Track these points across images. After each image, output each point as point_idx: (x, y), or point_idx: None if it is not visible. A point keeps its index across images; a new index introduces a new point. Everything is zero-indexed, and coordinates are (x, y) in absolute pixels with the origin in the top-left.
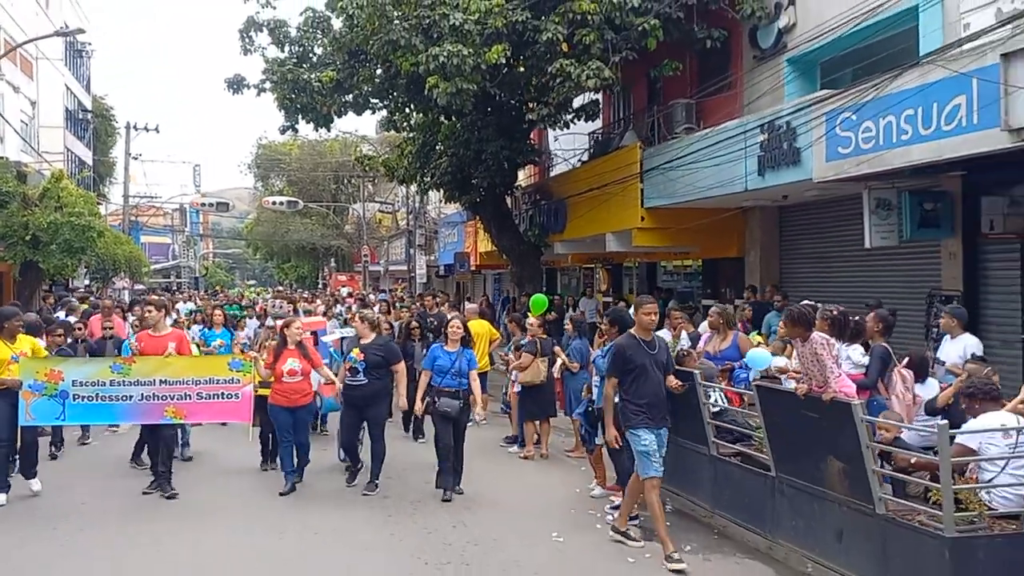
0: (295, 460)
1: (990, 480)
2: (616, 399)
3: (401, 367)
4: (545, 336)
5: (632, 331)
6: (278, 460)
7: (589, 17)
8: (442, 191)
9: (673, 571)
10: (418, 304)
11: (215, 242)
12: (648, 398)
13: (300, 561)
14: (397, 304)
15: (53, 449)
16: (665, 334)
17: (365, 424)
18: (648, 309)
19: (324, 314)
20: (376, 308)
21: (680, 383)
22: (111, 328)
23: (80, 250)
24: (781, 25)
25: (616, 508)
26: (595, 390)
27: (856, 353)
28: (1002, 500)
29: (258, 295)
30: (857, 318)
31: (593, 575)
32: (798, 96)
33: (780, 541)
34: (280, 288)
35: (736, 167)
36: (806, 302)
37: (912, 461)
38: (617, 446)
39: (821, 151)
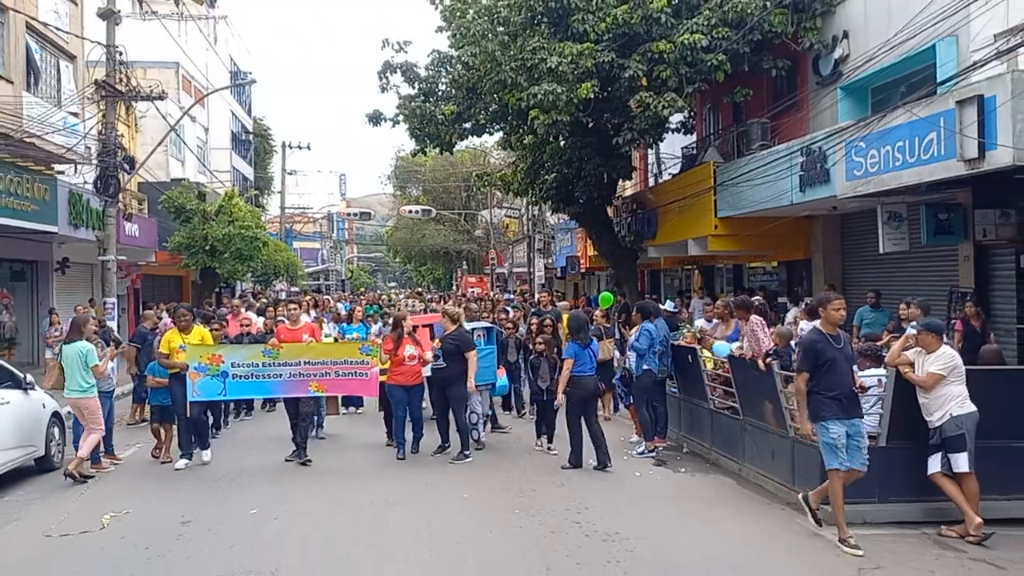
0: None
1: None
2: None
3: (472, 355)
4: (608, 324)
5: (819, 326)
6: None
7: (666, 56)
8: (549, 203)
9: (849, 554)
10: (531, 302)
11: (359, 247)
12: (838, 390)
13: (424, 506)
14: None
15: (214, 430)
16: (703, 323)
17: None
18: (837, 305)
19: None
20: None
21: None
22: (247, 325)
23: (249, 258)
24: (837, 56)
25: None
26: (630, 362)
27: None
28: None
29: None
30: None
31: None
32: (851, 118)
33: (745, 464)
34: (419, 290)
35: (784, 183)
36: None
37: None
38: (813, 439)
39: (842, 172)
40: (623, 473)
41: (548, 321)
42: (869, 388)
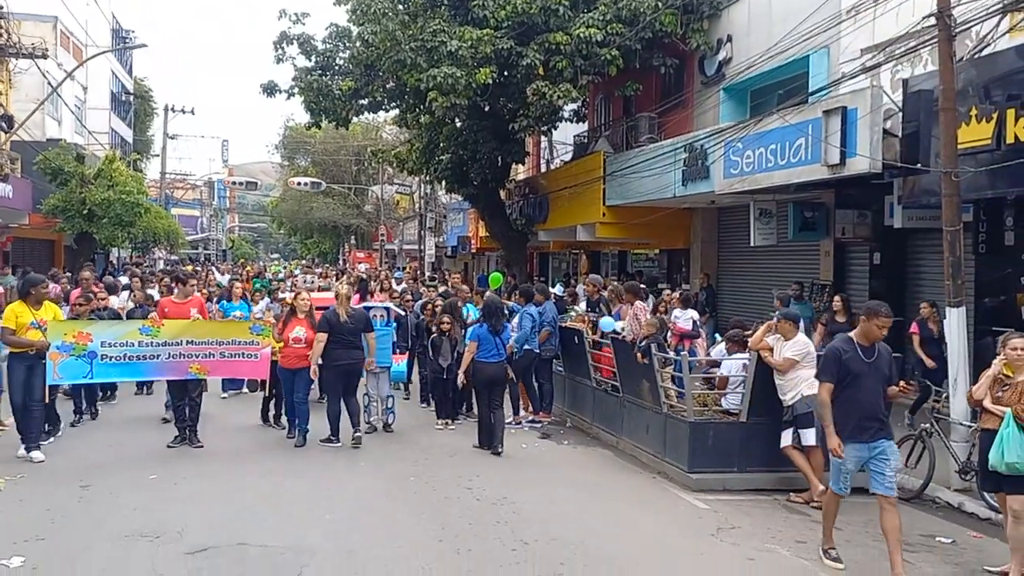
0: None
1: (726, 393)
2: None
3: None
4: None
5: (852, 335)
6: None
7: (562, 47)
8: (443, 183)
9: (830, 566)
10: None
11: (240, 216)
12: (859, 409)
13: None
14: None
15: (75, 417)
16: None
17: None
18: (882, 323)
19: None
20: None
21: (899, 389)
22: (103, 299)
23: (129, 224)
24: (721, 58)
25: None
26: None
27: (685, 315)
28: (730, 404)
29: (289, 270)
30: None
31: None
32: (731, 118)
33: (623, 438)
34: (305, 262)
35: (668, 176)
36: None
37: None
38: (841, 456)
39: (720, 170)
40: (511, 446)
41: (437, 304)
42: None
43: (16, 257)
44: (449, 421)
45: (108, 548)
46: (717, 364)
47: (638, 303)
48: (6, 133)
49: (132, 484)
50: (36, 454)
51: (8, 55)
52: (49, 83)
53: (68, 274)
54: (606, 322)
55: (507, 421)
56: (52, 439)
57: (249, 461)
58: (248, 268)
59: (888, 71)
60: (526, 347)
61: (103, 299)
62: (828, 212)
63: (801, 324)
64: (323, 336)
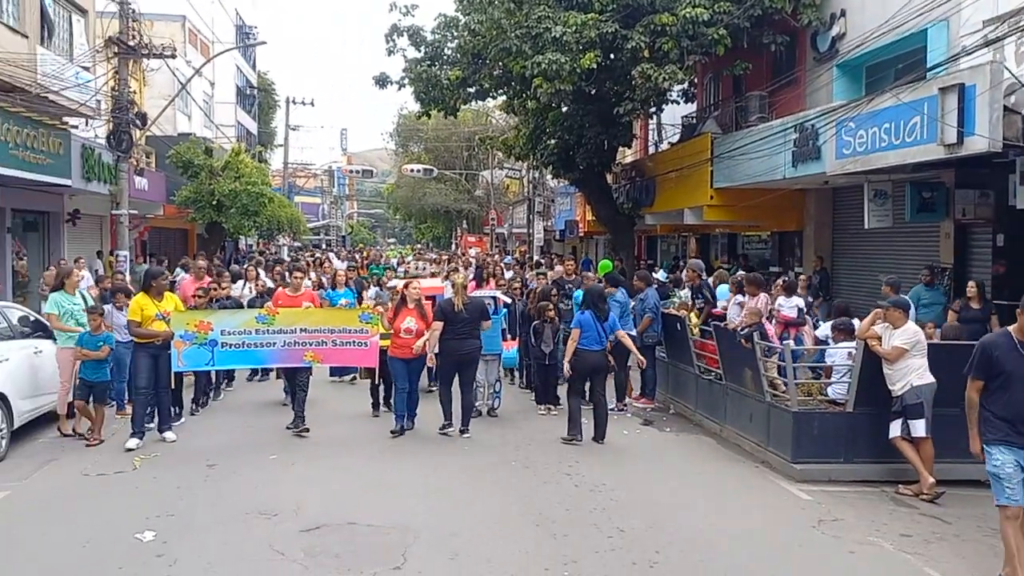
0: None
1: (831, 382)
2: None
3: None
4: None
5: (1011, 329)
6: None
7: (668, 28)
8: (550, 168)
9: None
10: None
11: (359, 203)
12: (1012, 411)
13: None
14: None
15: (194, 407)
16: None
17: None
18: None
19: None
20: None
21: None
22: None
23: (254, 213)
24: (834, 33)
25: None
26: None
27: (789, 303)
28: (835, 394)
29: (402, 255)
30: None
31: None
32: (846, 96)
33: (726, 425)
34: (419, 247)
35: (778, 158)
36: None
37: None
38: (982, 459)
39: (832, 150)
40: (612, 432)
41: (550, 296)
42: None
43: (153, 246)
44: (551, 407)
45: (230, 524)
46: (825, 342)
47: (762, 296)
48: (141, 129)
49: (253, 464)
50: (169, 434)
51: (141, 56)
52: (179, 80)
53: (210, 260)
54: (723, 290)
55: (610, 408)
56: (178, 422)
57: (358, 446)
58: (365, 253)
59: (1012, 43)
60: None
61: (225, 288)
62: (948, 192)
63: (912, 312)
64: (438, 325)
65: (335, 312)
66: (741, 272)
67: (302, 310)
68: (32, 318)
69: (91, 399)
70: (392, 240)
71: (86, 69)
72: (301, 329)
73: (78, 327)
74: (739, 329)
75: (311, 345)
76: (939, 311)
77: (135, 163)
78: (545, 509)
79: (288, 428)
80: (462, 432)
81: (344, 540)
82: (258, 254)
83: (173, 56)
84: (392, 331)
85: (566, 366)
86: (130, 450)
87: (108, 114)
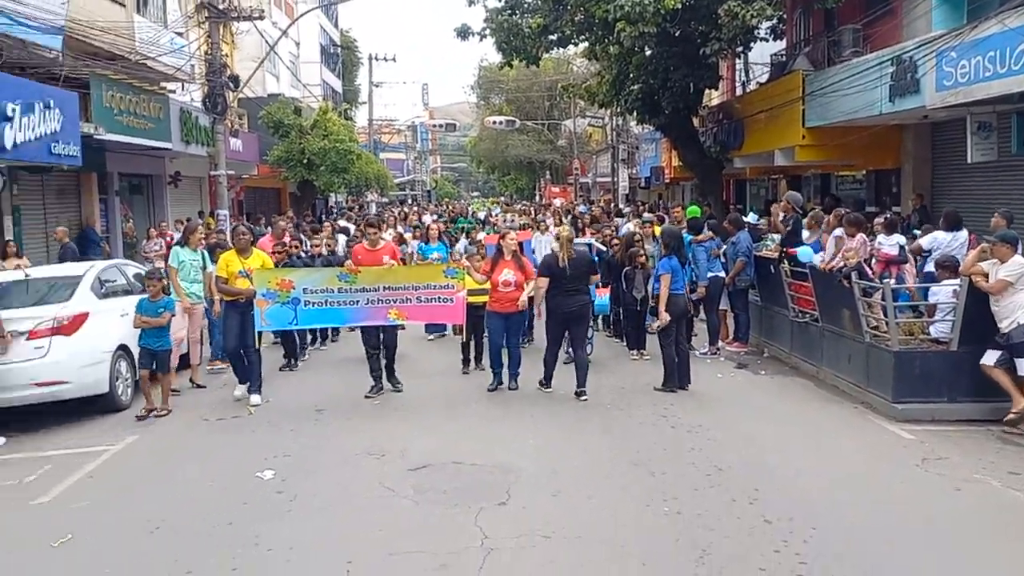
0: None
1: (934, 320)
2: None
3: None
4: None
5: None
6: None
7: None
8: (634, 114)
9: None
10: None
11: (442, 156)
12: None
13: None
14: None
15: (286, 361)
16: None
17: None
18: None
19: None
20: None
21: None
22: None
23: (343, 170)
24: None
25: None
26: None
27: (890, 240)
28: (939, 332)
29: (487, 207)
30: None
31: None
32: (945, 25)
33: (823, 367)
34: (504, 198)
35: (874, 93)
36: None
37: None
38: None
39: (932, 82)
40: (706, 376)
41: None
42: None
43: (248, 205)
44: (644, 352)
45: (342, 464)
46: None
47: (859, 235)
48: (234, 92)
49: (357, 411)
50: (255, 398)
51: (231, 19)
52: (267, 42)
53: (292, 218)
54: (804, 252)
55: (703, 351)
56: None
57: (455, 396)
58: (450, 207)
59: None
60: (710, 274)
61: (295, 247)
62: None
63: (1020, 247)
64: (544, 281)
65: (419, 268)
66: (815, 210)
67: (385, 268)
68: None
69: (155, 367)
70: (475, 193)
71: (179, 35)
72: (384, 287)
73: (193, 284)
74: (838, 269)
75: (395, 302)
76: None
77: (230, 125)
78: (643, 449)
79: (367, 396)
80: (579, 395)
81: (450, 478)
82: (348, 210)
83: (261, 18)
84: (490, 284)
85: (662, 314)
86: (255, 406)
87: (202, 78)
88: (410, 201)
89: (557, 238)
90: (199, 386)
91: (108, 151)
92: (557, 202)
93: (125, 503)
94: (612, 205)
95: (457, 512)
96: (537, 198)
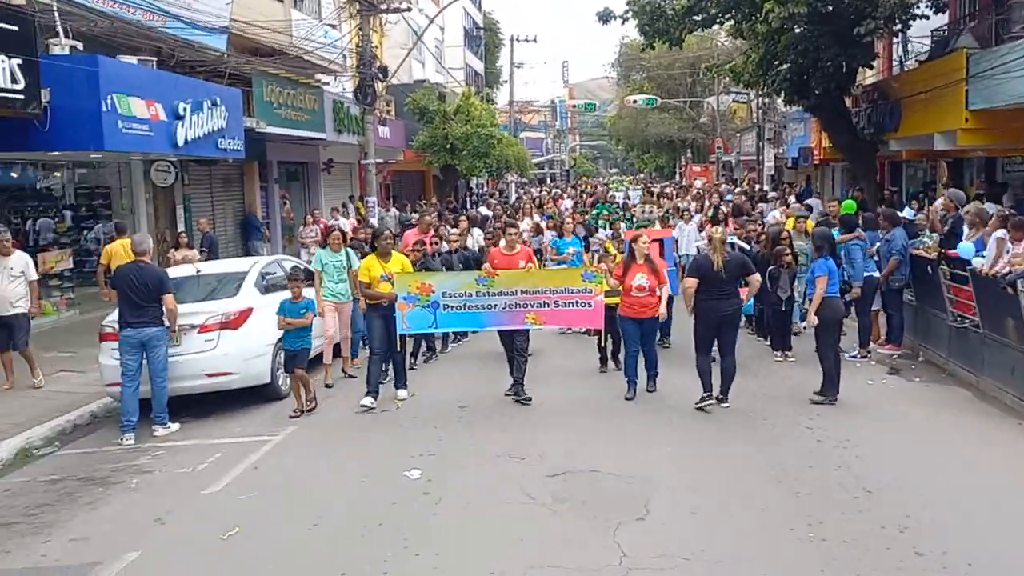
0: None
1: None
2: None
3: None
4: None
5: None
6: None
7: None
8: (782, 95)
9: None
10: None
11: (580, 135)
12: None
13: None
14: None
15: (412, 360)
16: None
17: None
18: None
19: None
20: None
21: None
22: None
23: (484, 154)
24: None
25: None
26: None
27: None
28: None
29: (625, 188)
30: None
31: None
32: None
33: (984, 377)
34: (642, 176)
35: None
36: None
37: None
38: None
39: None
40: (856, 382)
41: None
42: None
43: (395, 188)
44: (788, 353)
45: (485, 466)
46: None
47: None
48: (383, 82)
49: (498, 410)
50: (402, 392)
51: (380, 11)
52: (414, 31)
53: (436, 204)
54: (965, 248)
55: (852, 354)
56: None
57: (592, 397)
58: (588, 186)
59: None
60: (865, 274)
61: (433, 244)
62: None
63: None
64: (692, 282)
65: (557, 272)
66: (978, 205)
67: (522, 271)
68: (303, 267)
69: (293, 366)
70: (614, 170)
71: (333, 27)
72: (522, 291)
73: (339, 284)
74: (1003, 275)
75: (532, 306)
76: None
77: (379, 114)
78: (786, 464)
79: (507, 394)
80: (720, 401)
81: (588, 487)
82: (489, 196)
83: (409, 9)
84: (622, 289)
85: (811, 316)
86: (365, 407)
87: (353, 69)
88: (549, 181)
89: (710, 240)
90: (351, 376)
91: (268, 141)
92: (698, 183)
93: (286, 497)
94: (756, 187)
95: (596, 525)
96: (677, 177)
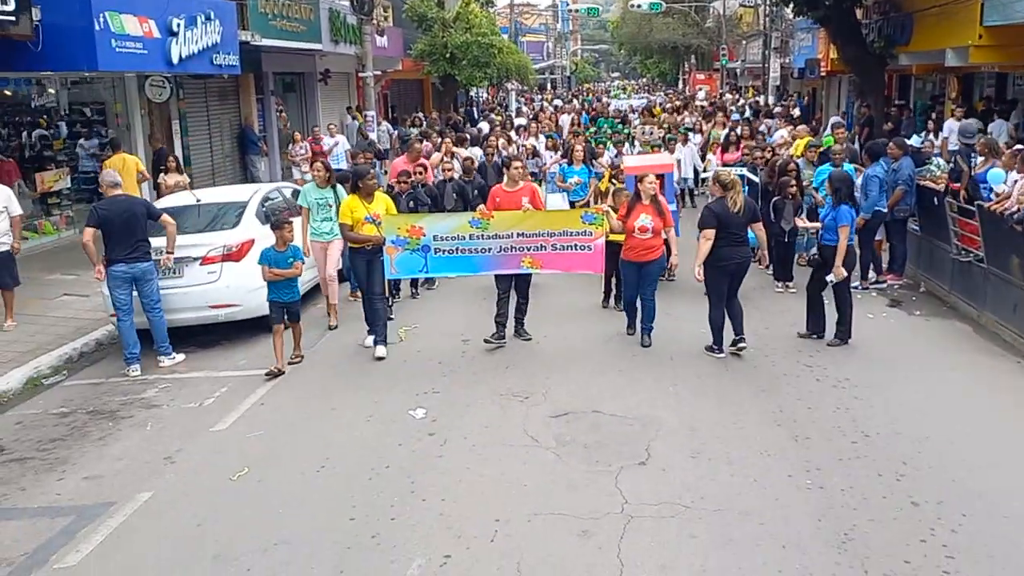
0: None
1: None
2: None
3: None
4: None
5: None
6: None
7: None
8: (791, 6)
9: None
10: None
11: (582, 38)
12: None
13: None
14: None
15: (413, 290)
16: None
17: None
18: None
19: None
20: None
21: None
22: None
23: (485, 64)
24: None
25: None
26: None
27: None
28: None
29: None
30: None
31: None
32: None
33: (985, 312)
34: (643, 82)
35: None
36: None
37: None
38: None
39: None
40: (856, 315)
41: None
42: None
43: (393, 98)
44: (789, 284)
45: (488, 406)
46: None
47: None
48: None
49: (502, 346)
50: (380, 349)
51: None
52: None
53: (436, 126)
54: (995, 175)
55: (854, 285)
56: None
57: (595, 335)
58: (589, 92)
59: None
60: (876, 208)
61: (421, 175)
62: None
63: None
64: (710, 233)
65: (555, 214)
66: (987, 136)
67: (520, 213)
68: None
69: (285, 318)
70: (616, 74)
71: None
72: (518, 233)
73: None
74: (1011, 213)
75: (529, 250)
76: None
77: (377, 23)
78: (785, 406)
79: (487, 341)
80: (739, 343)
81: (590, 429)
82: (490, 111)
83: None
84: (625, 229)
85: (839, 269)
86: (379, 358)
87: None
88: (549, 87)
89: (725, 186)
90: (331, 327)
91: (263, 52)
92: (701, 94)
93: (293, 436)
94: (758, 102)
95: (599, 470)
96: (680, 85)
